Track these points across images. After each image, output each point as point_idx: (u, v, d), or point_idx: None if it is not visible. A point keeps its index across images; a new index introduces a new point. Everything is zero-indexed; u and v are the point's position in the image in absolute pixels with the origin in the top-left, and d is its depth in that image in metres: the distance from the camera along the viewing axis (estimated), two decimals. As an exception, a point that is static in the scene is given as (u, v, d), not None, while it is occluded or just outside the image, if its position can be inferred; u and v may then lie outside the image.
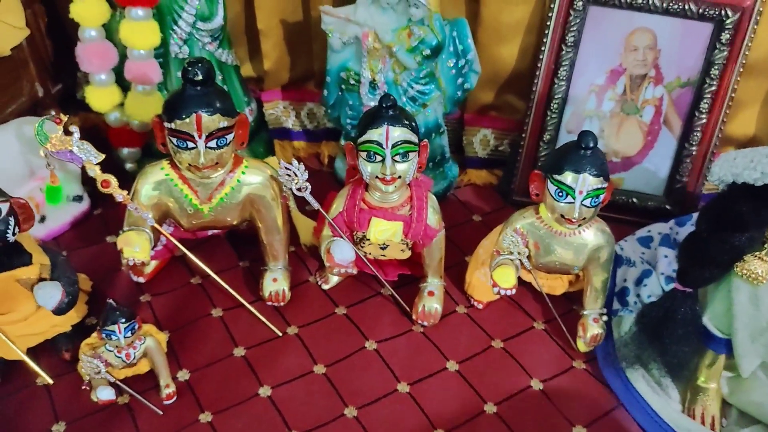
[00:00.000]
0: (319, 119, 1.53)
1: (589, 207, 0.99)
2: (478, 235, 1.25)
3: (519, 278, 1.14)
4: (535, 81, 1.32)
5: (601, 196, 1.00)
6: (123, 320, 0.96)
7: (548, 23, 1.27)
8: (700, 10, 1.21)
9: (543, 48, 1.29)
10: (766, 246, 0.92)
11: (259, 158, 1.38)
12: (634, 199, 1.37)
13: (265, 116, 1.51)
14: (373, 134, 1.00)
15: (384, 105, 0.99)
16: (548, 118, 1.34)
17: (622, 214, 1.38)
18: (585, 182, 0.97)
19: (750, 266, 0.92)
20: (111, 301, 0.97)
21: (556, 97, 1.32)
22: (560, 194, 0.99)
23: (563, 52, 1.28)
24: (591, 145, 0.97)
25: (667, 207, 1.36)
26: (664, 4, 1.22)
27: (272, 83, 1.49)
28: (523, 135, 1.37)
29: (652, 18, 1.25)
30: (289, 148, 1.53)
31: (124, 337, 0.97)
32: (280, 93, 1.51)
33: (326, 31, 1.24)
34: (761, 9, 1.20)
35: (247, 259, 1.27)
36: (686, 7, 1.21)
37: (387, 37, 1.22)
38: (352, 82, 1.29)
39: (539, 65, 1.31)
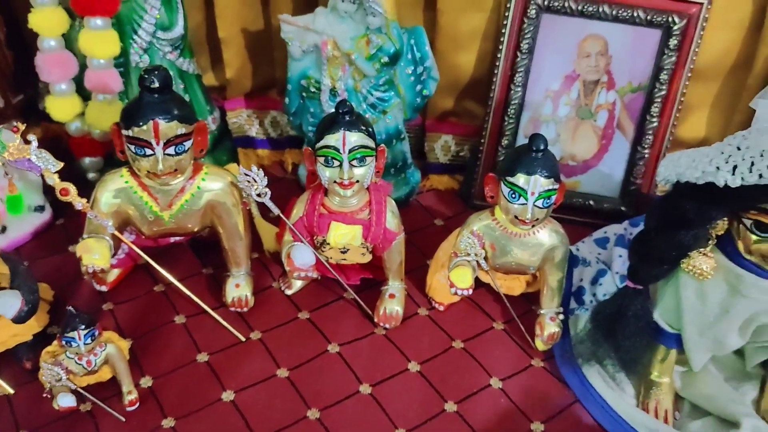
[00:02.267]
0: (283, 127, 1.55)
1: (541, 208, 1.02)
2: (440, 239, 1.28)
3: (478, 280, 1.17)
4: (492, 87, 1.35)
5: (553, 197, 1.03)
6: (83, 327, 0.96)
7: (503, 31, 1.31)
8: (648, 17, 1.26)
9: (499, 55, 1.33)
10: (710, 242, 0.96)
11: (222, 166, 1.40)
12: (591, 202, 1.41)
13: (229, 125, 1.52)
14: (330, 139, 1.02)
15: (340, 111, 1.01)
16: (506, 123, 1.37)
17: (580, 216, 1.41)
18: (536, 183, 1.00)
19: (695, 262, 0.95)
20: (71, 308, 0.97)
21: (512, 103, 1.35)
22: (513, 196, 1.02)
23: (518, 59, 1.32)
24: (542, 147, 1.00)
25: (623, 208, 1.40)
26: (614, 12, 1.26)
27: (235, 92, 1.50)
28: (482, 140, 1.40)
29: (603, 25, 1.29)
30: (252, 156, 1.54)
31: (84, 344, 0.97)
32: (243, 101, 1.52)
33: (286, 40, 1.26)
34: (707, 15, 1.24)
35: (211, 266, 1.28)
36: (635, 14, 1.26)
37: (346, 45, 1.25)
38: (313, 89, 1.31)
39: (496, 72, 1.34)
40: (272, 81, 1.50)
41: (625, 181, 1.39)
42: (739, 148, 0.86)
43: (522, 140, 1.39)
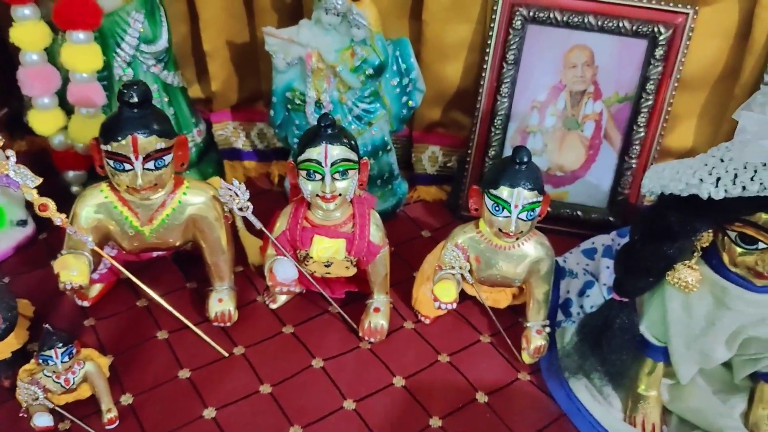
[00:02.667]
0: (270, 139, 1.54)
1: (525, 220, 1.01)
2: (427, 251, 1.27)
3: (464, 293, 1.16)
4: (479, 98, 1.35)
5: (537, 210, 1.02)
6: (60, 345, 0.95)
7: (489, 42, 1.30)
8: (634, 27, 1.25)
9: (485, 66, 1.32)
10: (695, 255, 0.95)
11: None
12: (579, 212, 1.40)
13: (215, 137, 1.51)
14: (312, 153, 1.01)
15: (322, 124, 1.00)
16: (492, 134, 1.36)
17: (568, 226, 1.40)
18: (520, 196, 0.99)
19: (681, 275, 0.94)
20: (47, 325, 0.96)
21: (499, 113, 1.34)
22: (497, 209, 1.01)
23: (504, 70, 1.31)
24: (525, 160, 0.99)
25: (611, 219, 1.39)
26: (599, 22, 1.25)
27: (221, 104, 1.49)
28: (469, 151, 1.40)
29: (589, 35, 1.28)
30: (239, 168, 1.53)
31: (62, 362, 0.96)
32: (229, 113, 1.52)
33: (270, 53, 1.25)
34: (693, 25, 1.24)
35: (194, 280, 1.26)
36: (620, 24, 1.25)
37: (330, 57, 1.24)
38: (298, 102, 1.30)
39: (482, 83, 1.33)
40: (258, 93, 1.50)
41: (613, 192, 1.38)
42: (722, 160, 0.86)
43: (509, 151, 1.38)
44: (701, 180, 0.87)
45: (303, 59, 1.26)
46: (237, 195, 1.03)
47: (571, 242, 1.36)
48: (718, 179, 0.85)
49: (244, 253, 1.28)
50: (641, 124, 1.31)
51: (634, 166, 1.34)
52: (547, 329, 1.13)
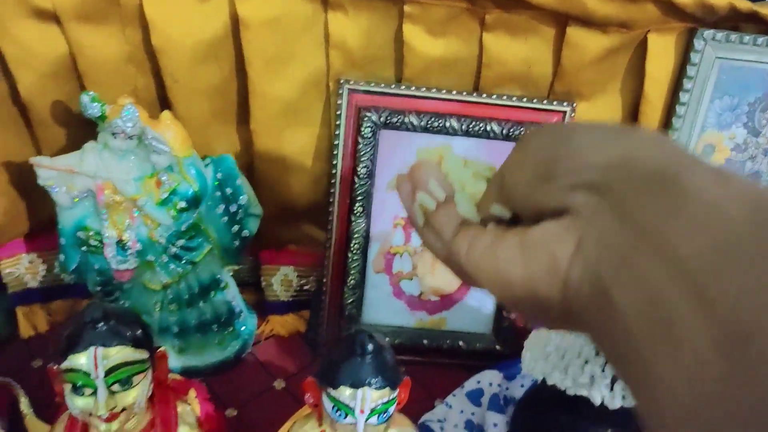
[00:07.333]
0: (80, 271, 1.23)
1: (376, 424, 0.76)
2: (279, 411, 0.99)
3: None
4: (330, 219, 1.10)
5: (392, 409, 0.77)
6: None
7: (335, 153, 1.06)
8: (504, 131, 1.04)
9: (333, 181, 1.08)
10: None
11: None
12: (461, 342, 1.17)
13: (2, 277, 1.19)
14: (77, 360, 0.72)
15: (88, 319, 0.72)
16: (350, 260, 1.12)
17: (450, 358, 1.18)
18: (366, 399, 0.74)
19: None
20: None
21: (355, 235, 1.10)
22: (338, 413, 0.76)
23: (357, 185, 1.07)
24: (370, 349, 0.74)
25: (498, 347, 1.17)
26: (464, 126, 1.04)
27: (7, 236, 1.17)
28: (324, 280, 1.15)
29: (454, 140, 1.06)
30: (40, 314, 1.21)
31: None
32: (23, 244, 1.20)
33: (46, 188, 0.96)
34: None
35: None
36: (488, 127, 1.04)
37: (128, 189, 0.96)
38: (94, 243, 1.01)
39: (331, 200, 1.09)
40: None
41: (497, 316, 1.17)
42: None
43: (371, 276, 1.15)
44: (592, 378, 0.66)
45: (93, 191, 0.97)
46: None
47: (454, 377, 1.13)
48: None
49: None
50: (523, 239, 1.10)
51: (518, 287, 1.13)
52: None
